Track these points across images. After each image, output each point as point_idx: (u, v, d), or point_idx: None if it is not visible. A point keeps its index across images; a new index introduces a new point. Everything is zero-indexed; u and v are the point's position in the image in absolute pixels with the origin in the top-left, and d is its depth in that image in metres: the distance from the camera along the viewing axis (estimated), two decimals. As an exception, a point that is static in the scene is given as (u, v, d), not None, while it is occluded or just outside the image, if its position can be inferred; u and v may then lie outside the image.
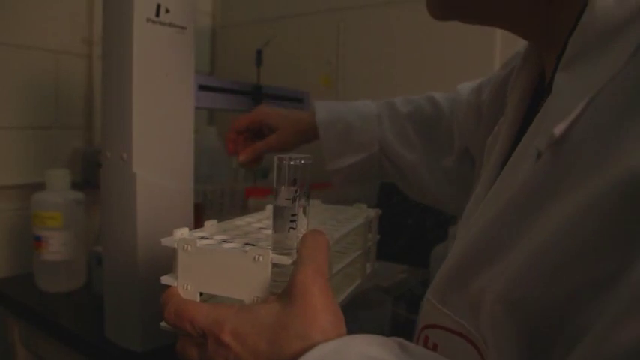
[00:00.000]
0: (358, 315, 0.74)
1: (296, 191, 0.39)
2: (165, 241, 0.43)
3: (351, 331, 0.35)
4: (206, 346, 0.37)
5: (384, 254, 1.02)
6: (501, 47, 0.98)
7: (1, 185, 1.06)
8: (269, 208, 0.59)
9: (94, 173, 1.07)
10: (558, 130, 0.30)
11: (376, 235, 0.67)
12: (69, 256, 0.95)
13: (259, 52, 0.97)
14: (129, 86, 0.65)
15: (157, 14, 0.66)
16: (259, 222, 0.54)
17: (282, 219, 0.40)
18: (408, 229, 1.06)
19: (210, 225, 0.49)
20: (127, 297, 0.69)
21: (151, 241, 0.68)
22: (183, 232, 0.45)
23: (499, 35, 0.96)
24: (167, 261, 0.70)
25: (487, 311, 0.32)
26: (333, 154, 0.77)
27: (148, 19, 0.65)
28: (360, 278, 0.61)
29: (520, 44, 0.49)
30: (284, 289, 0.37)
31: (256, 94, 0.93)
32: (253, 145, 0.79)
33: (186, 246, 0.41)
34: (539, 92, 0.47)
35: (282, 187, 0.40)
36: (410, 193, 0.82)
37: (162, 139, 0.69)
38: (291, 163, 0.39)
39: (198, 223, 0.52)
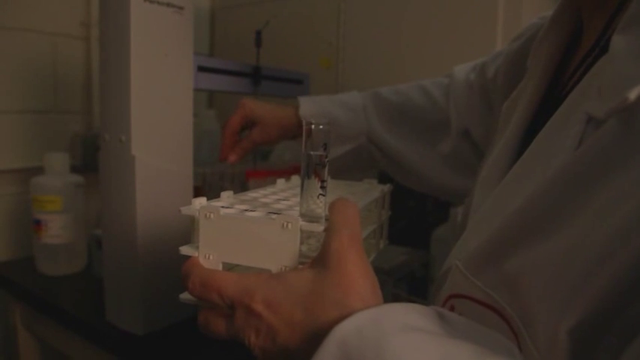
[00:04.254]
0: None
1: (325, 156, 0.38)
2: (185, 210, 0.41)
3: None
4: (234, 317, 0.35)
5: (384, 237, 1.02)
6: (503, 31, 0.97)
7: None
8: (280, 182, 0.57)
9: (93, 157, 1.06)
10: (634, 93, 0.27)
11: (388, 211, 0.65)
12: (69, 240, 0.95)
13: (259, 33, 0.95)
14: (127, 68, 0.64)
15: (154, -6, 0.65)
16: (275, 194, 0.51)
17: (312, 185, 0.38)
18: (409, 212, 1.05)
19: (227, 196, 0.47)
20: (127, 280, 0.69)
21: (150, 224, 0.68)
22: (201, 202, 0.42)
23: (501, 10, 0.95)
24: (167, 243, 0.70)
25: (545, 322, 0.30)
26: None
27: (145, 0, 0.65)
28: (374, 253, 0.59)
29: (519, 25, 0.49)
30: (317, 257, 0.35)
31: (256, 76, 0.92)
32: (239, 145, 0.78)
33: (208, 214, 0.39)
34: (567, 55, 0.46)
35: (312, 153, 0.38)
36: (405, 182, 0.82)
37: (161, 121, 0.69)
38: (321, 127, 0.37)
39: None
